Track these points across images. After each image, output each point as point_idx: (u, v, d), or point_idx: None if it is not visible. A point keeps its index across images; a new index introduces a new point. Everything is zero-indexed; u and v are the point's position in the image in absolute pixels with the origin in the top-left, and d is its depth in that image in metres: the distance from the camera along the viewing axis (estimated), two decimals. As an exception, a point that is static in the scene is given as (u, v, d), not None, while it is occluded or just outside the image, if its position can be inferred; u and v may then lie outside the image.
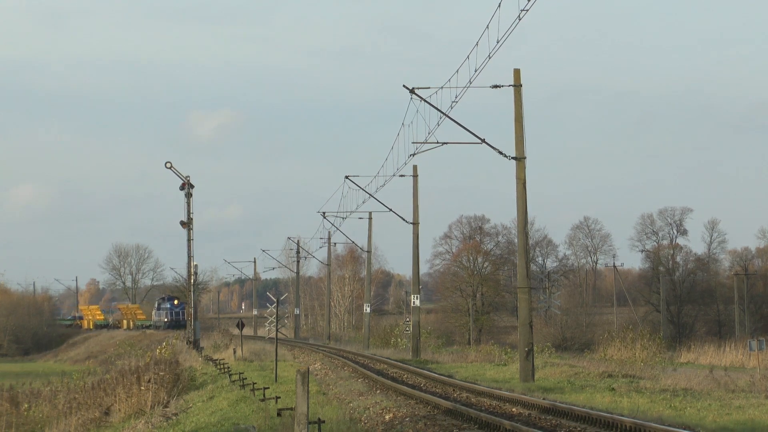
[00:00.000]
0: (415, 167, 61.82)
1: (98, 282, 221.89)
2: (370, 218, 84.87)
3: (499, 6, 31.01)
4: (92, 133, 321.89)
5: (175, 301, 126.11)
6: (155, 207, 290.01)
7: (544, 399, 27.86)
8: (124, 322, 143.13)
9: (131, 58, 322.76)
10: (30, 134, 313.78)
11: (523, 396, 28.71)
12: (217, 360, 53.22)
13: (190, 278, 75.81)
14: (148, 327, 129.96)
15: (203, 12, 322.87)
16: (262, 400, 30.05)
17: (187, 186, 70.36)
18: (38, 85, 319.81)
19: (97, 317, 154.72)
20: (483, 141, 39.52)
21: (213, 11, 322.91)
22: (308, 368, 20.60)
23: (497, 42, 32.26)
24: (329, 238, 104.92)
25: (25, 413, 45.45)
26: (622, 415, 23.36)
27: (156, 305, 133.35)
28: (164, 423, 32.70)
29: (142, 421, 34.80)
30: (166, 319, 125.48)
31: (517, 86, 38.67)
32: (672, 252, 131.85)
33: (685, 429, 21.43)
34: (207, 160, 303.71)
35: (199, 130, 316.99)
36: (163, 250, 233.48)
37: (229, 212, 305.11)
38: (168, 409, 36.85)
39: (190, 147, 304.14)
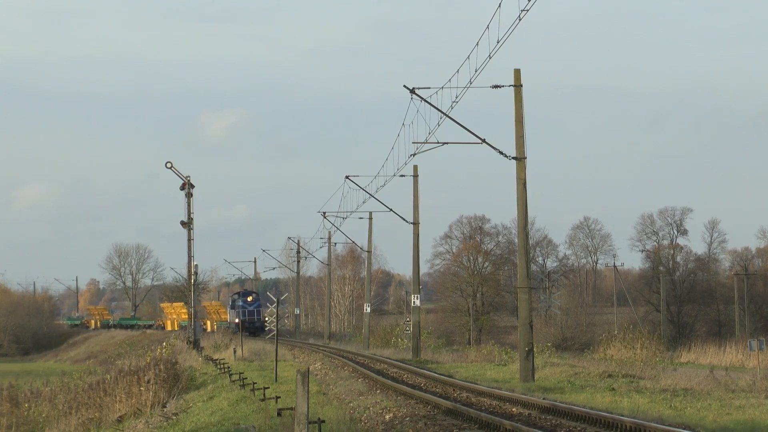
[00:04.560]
0: (415, 167, 61.85)
1: (98, 282, 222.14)
2: (370, 218, 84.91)
3: (499, 6, 31.04)
4: (101, 134, 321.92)
5: (249, 298, 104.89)
6: (161, 207, 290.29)
7: (544, 399, 27.86)
8: (208, 323, 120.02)
9: (136, 58, 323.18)
10: (37, 134, 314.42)
11: (523, 396, 28.71)
12: (217, 360, 53.22)
13: (190, 278, 75.85)
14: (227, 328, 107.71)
15: (204, 11, 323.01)
16: (262, 400, 30.05)
17: (187, 186, 70.38)
18: (45, 85, 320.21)
19: (183, 317, 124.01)
20: (483, 141, 39.54)
21: (213, 11, 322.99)
22: (308, 368, 20.61)
23: (497, 42, 32.32)
24: (329, 238, 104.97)
25: (26, 413, 45.45)
26: (622, 415, 23.36)
27: (230, 302, 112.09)
28: (164, 423, 32.70)
29: (142, 421, 34.80)
30: (237, 320, 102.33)
31: (518, 86, 38.68)
32: (672, 252, 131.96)
33: (685, 429, 21.43)
34: (212, 161, 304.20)
35: (205, 131, 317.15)
36: (166, 251, 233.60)
37: (234, 212, 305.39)
38: (168, 409, 36.86)
39: (195, 147, 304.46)
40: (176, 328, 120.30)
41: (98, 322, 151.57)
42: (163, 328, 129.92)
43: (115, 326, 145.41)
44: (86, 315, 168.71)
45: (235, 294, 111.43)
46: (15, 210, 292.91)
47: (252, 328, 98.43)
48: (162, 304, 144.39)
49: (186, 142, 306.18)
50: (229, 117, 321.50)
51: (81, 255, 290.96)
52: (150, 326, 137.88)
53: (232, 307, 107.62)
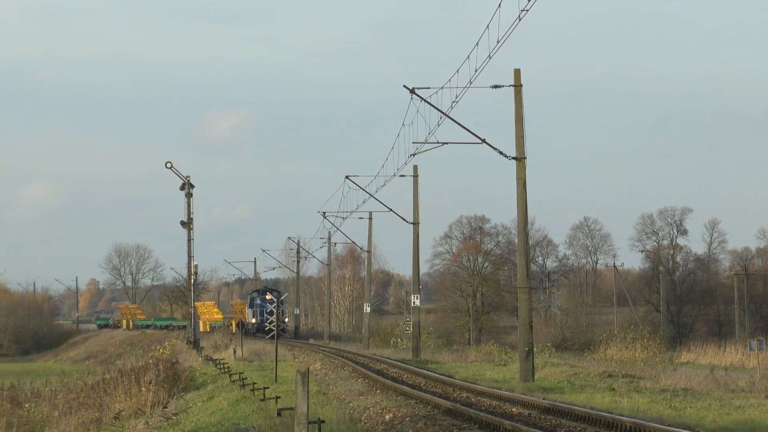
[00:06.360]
0: (415, 167, 61.83)
1: (98, 282, 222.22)
2: (370, 218, 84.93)
3: (499, 6, 31.04)
4: (104, 134, 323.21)
5: (267, 296, 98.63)
6: (162, 207, 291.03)
7: (544, 399, 27.86)
8: (233, 323, 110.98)
9: (136, 58, 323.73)
10: (39, 134, 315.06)
11: (523, 396, 28.70)
12: (217, 360, 53.20)
13: (190, 278, 75.84)
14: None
15: (204, 11, 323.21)
16: (262, 400, 30.04)
17: (187, 186, 70.38)
18: (46, 85, 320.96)
19: (215, 317, 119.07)
20: (483, 141, 39.52)
21: (214, 11, 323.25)
22: (308, 368, 20.60)
23: (497, 42, 32.31)
24: (329, 238, 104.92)
25: (26, 413, 45.46)
26: (622, 415, 23.35)
27: (248, 301, 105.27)
28: (164, 423, 32.69)
29: (142, 421, 34.80)
30: (253, 320, 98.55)
31: (518, 86, 38.67)
32: (672, 252, 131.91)
33: (685, 429, 21.43)
34: (214, 161, 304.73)
35: (208, 131, 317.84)
36: (166, 251, 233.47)
37: (234, 212, 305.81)
38: (168, 409, 36.85)
39: (198, 148, 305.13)
40: (207, 329, 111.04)
41: (131, 323, 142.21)
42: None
43: (148, 327, 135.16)
44: (115, 313, 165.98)
45: (254, 291, 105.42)
46: (16, 210, 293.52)
47: (270, 330, 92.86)
48: (195, 303, 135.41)
49: (189, 142, 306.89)
50: (232, 117, 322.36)
51: (81, 255, 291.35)
52: (184, 327, 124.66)
53: (250, 305, 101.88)
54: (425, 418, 24.39)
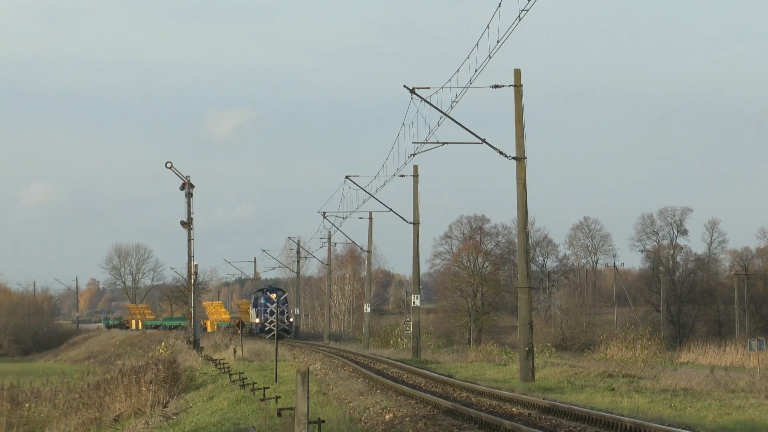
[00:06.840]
0: (415, 167, 61.80)
1: (98, 282, 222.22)
2: (370, 218, 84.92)
3: (499, 6, 31.01)
4: (105, 134, 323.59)
5: (272, 295, 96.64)
6: (164, 207, 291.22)
7: (544, 399, 27.84)
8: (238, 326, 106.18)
9: (138, 58, 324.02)
10: (40, 134, 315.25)
11: (523, 396, 28.69)
12: (217, 360, 53.21)
13: (190, 278, 75.83)
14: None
15: (204, 11, 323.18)
16: (262, 400, 30.04)
17: (187, 186, 70.39)
18: (47, 85, 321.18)
19: (222, 317, 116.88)
20: (483, 141, 39.51)
21: (213, 11, 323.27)
22: (308, 368, 20.59)
23: (497, 42, 32.28)
24: (329, 238, 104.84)
25: (26, 413, 45.46)
26: (622, 415, 23.34)
27: (252, 300, 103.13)
28: (164, 423, 32.69)
29: (142, 421, 34.80)
30: (257, 320, 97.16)
31: (518, 86, 38.64)
32: (672, 252, 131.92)
33: (685, 429, 21.42)
34: (215, 161, 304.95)
35: (209, 131, 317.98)
36: (166, 250, 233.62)
37: (235, 212, 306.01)
38: (168, 409, 36.85)
39: (200, 147, 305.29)
40: (215, 329, 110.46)
41: (140, 323, 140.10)
42: (204, 329, 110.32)
43: (158, 327, 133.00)
44: (116, 313, 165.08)
45: (258, 291, 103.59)
46: (16, 210, 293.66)
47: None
48: (204, 303, 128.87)
49: (189, 142, 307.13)
50: (233, 117, 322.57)
51: (81, 255, 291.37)
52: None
53: (254, 305, 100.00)
54: (425, 418, 24.38)
